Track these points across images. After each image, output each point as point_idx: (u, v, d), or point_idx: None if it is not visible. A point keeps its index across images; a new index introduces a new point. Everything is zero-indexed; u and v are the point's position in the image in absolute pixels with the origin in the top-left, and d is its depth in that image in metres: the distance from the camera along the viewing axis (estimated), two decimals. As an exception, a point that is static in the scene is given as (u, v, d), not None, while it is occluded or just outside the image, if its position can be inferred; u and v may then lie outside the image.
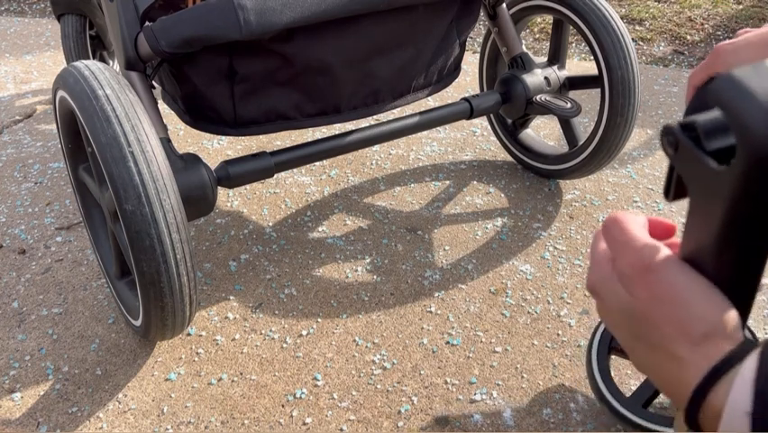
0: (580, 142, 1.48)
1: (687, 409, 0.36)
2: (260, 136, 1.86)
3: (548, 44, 2.27)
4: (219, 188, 1.43)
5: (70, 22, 1.86)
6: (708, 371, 0.35)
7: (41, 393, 1.06)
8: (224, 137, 1.86)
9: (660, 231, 0.43)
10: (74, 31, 1.86)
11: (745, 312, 0.37)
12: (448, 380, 1.06)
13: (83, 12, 1.85)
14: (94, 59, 1.95)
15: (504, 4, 1.45)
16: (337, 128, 1.85)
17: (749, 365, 0.32)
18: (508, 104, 1.45)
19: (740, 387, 0.32)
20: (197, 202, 1.07)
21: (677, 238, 0.43)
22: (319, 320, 1.19)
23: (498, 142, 1.77)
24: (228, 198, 1.58)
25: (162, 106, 1.94)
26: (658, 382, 0.40)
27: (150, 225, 0.88)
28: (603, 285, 0.42)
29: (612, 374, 0.97)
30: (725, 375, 0.34)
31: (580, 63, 2.37)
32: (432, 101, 2.08)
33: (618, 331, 0.42)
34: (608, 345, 0.99)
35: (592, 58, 1.39)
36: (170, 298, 0.94)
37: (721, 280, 0.36)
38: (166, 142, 1.06)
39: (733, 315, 0.36)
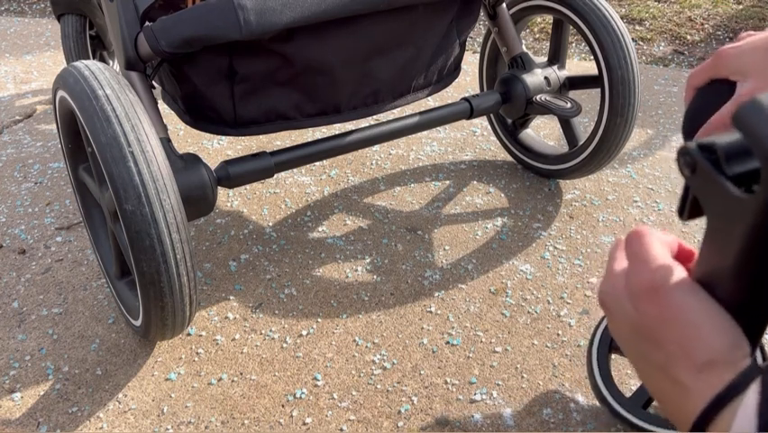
0: (580, 142, 1.48)
1: None
2: (260, 136, 1.86)
3: (548, 44, 2.27)
4: (219, 188, 1.43)
5: (70, 22, 1.86)
6: (710, 400, 0.34)
7: (41, 393, 1.06)
8: (223, 137, 1.86)
9: (683, 255, 0.42)
10: (74, 31, 1.86)
11: (757, 337, 0.36)
12: (448, 380, 1.06)
13: (83, 12, 1.85)
14: (94, 59, 1.95)
15: (504, 4, 1.45)
16: (337, 128, 1.85)
17: (752, 395, 0.32)
18: (508, 104, 1.45)
19: (743, 417, 0.32)
20: (197, 202, 1.07)
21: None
22: (319, 320, 1.19)
23: (498, 142, 1.77)
24: (228, 198, 1.58)
25: (162, 106, 1.94)
26: (661, 404, 0.40)
27: (150, 225, 0.88)
28: (613, 299, 0.42)
29: (612, 374, 0.97)
30: (728, 404, 0.34)
31: (580, 63, 2.37)
32: (432, 101, 2.08)
33: (625, 346, 0.42)
34: (608, 345, 0.99)
35: (592, 58, 1.39)
36: (170, 298, 0.94)
37: (735, 304, 0.35)
38: (166, 142, 1.06)
39: (740, 342, 0.36)
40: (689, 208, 0.37)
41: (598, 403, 1.01)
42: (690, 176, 0.35)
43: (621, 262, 0.43)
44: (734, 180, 0.32)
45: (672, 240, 0.42)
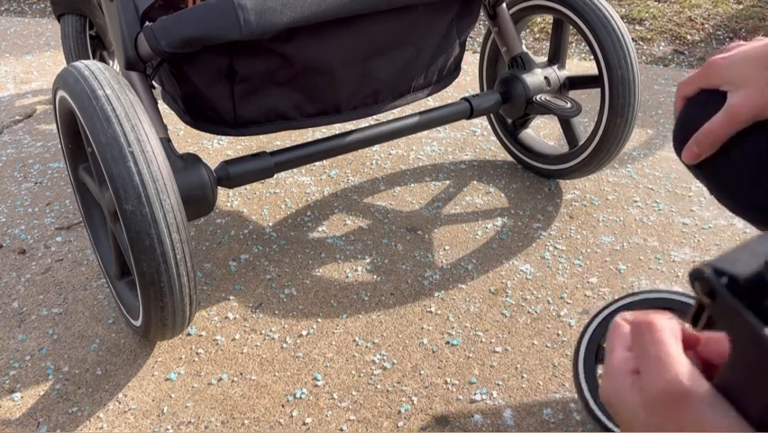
0: (581, 142, 1.48)
1: None
2: (260, 136, 1.86)
3: (548, 44, 2.27)
4: (219, 188, 1.43)
5: (70, 22, 1.86)
6: None
7: (42, 393, 1.06)
8: (224, 137, 1.86)
9: (686, 341, 0.39)
10: (74, 31, 1.86)
11: None
12: (448, 380, 1.06)
13: (83, 12, 1.85)
14: (94, 59, 1.95)
15: (504, 4, 1.45)
16: (337, 128, 1.85)
17: None
18: (508, 104, 1.45)
19: None
20: (197, 202, 1.07)
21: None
22: (319, 320, 1.19)
23: (498, 141, 1.77)
24: (228, 198, 1.58)
25: (162, 106, 1.94)
26: None
27: (150, 226, 0.88)
28: (622, 401, 0.38)
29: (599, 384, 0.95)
30: None
31: (580, 63, 2.37)
32: (432, 101, 2.08)
33: None
34: (594, 356, 0.97)
35: (592, 58, 1.39)
36: (170, 298, 0.94)
37: (763, 422, 0.33)
38: (166, 143, 1.06)
39: None
40: (703, 324, 0.35)
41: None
42: (711, 304, 0.33)
43: (623, 355, 0.39)
44: (759, 315, 0.31)
45: (677, 328, 0.38)
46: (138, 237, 0.88)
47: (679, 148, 0.67)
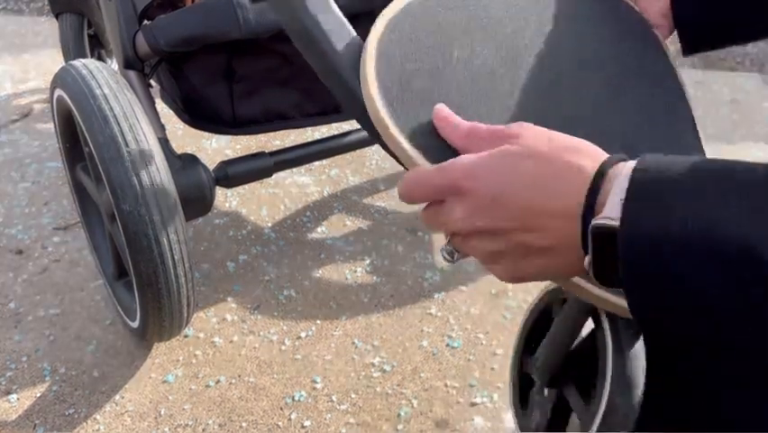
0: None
1: (584, 217, 0.38)
2: (260, 136, 1.85)
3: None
4: (218, 188, 1.42)
5: (68, 20, 1.85)
6: (596, 170, 0.39)
7: (38, 395, 1.05)
8: (223, 137, 1.85)
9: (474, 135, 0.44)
10: (72, 29, 1.85)
11: None
12: (448, 383, 1.06)
13: (81, 10, 1.84)
14: (92, 57, 1.94)
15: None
16: (337, 128, 1.85)
17: (628, 166, 0.37)
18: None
19: (614, 202, 0.37)
20: (195, 202, 1.06)
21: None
22: (318, 322, 1.19)
23: (498, 142, 1.76)
24: (227, 199, 1.57)
25: (161, 105, 1.93)
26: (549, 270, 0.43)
27: (148, 226, 0.87)
28: (479, 245, 0.44)
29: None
30: (611, 172, 0.38)
31: (580, 64, 2.36)
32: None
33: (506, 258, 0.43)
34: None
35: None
36: (168, 298, 0.93)
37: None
38: (164, 142, 1.05)
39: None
40: None
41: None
42: None
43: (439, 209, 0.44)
44: None
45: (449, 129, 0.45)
46: (135, 238, 0.87)
47: None
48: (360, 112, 0.46)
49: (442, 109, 0.45)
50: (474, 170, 0.41)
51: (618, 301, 0.44)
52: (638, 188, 0.37)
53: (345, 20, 0.49)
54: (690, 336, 0.38)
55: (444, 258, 0.47)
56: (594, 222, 0.37)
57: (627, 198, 0.36)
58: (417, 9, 0.48)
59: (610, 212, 0.37)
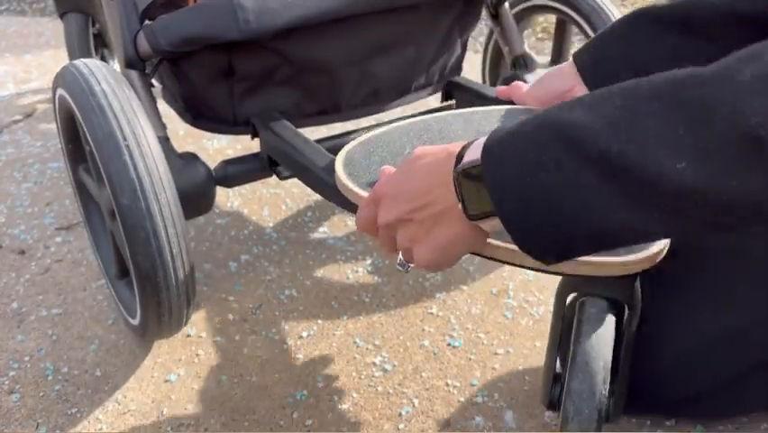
0: (583, 143, 1.47)
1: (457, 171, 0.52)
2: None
3: (550, 44, 2.25)
4: (219, 188, 1.43)
5: (73, 20, 1.85)
6: (462, 146, 0.54)
7: (41, 394, 1.05)
8: (224, 137, 1.85)
9: None
10: (77, 29, 1.86)
11: None
12: (449, 382, 1.06)
13: (86, 10, 1.84)
14: (96, 57, 1.95)
15: (506, 4, 1.45)
16: (337, 128, 1.85)
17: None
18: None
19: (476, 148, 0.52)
20: (195, 200, 1.07)
21: None
22: (320, 322, 1.19)
23: (499, 142, 1.75)
24: (228, 199, 1.58)
25: (164, 106, 1.93)
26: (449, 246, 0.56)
27: (146, 219, 0.87)
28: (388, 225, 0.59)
29: None
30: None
31: (582, 63, 2.36)
32: (433, 101, 2.07)
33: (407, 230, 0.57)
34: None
35: (595, 58, 1.38)
36: (166, 293, 0.93)
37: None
38: (164, 140, 1.06)
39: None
40: None
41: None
42: None
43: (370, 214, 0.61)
44: None
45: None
46: (134, 231, 0.88)
47: None
48: (332, 193, 0.77)
49: (386, 168, 0.63)
50: (383, 181, 0.59)
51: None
52: (492, 137, 0.50)
53: (321, 147, 0.94)
54: (556, 223, 0.48)
55: (398, 270, 0.63)
56: (458, 168, 0.51)
57: (485, 145, 0.50)
58: (368, 141, 0.80)
59: (472, 156, 0.51)
